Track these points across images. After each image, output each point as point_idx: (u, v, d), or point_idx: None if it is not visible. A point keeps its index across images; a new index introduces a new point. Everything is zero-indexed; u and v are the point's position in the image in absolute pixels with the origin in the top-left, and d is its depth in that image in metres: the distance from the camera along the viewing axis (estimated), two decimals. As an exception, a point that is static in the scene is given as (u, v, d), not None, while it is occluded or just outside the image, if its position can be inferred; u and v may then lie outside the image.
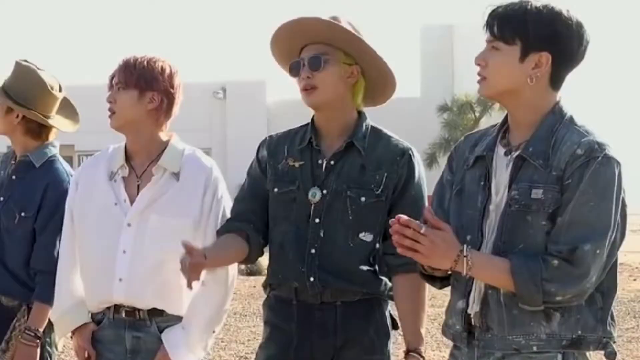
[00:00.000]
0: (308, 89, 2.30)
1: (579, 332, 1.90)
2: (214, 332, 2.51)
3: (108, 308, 2.49)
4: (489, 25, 1.93)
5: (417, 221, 1.86)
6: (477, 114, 19.54)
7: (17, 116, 2.85)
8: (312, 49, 2.32)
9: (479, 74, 1.95)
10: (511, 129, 1.99)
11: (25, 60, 2.93)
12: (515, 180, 1.92)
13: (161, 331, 2.45)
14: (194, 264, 2.14)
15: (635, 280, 10.57)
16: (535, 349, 1.91)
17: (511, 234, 1.91)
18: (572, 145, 1.89)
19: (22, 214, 2.85)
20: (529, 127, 1.95)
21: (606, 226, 1.87)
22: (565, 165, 1.88)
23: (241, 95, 18.33)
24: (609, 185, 1.87)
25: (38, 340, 2.78)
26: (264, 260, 2.50)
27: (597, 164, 1.86)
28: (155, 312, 2.45)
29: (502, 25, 1.91)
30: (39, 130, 2.90)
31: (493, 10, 1.93)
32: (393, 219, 1.87)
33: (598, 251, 1.85)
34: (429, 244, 1.84)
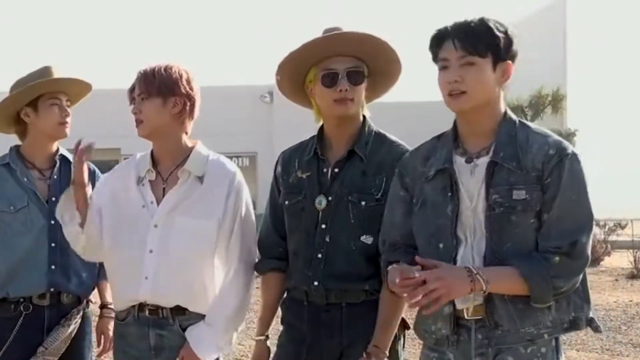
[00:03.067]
0: (344, 101, 2.34)
1: (573, 314, 2.06)
2: (236, 329, 2.55)
3: (133, 306, 2.54)
4: (456, 41, 2.02)
5: (412, 272, 1.96)
6: (528, 118, 19.25)
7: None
8: (344, 61, 2.35)
9: (452, 90, 2.03)
10: (465, 139, 2.11)
11: None
12: (492, 184, 2.03)
13: (184, 329, 2.50)
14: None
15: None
16: (546, 336, 2.04)
17: (498, 234, 2.02)
18: (542, 146, 2.03)
19: None
20: (487, 134, 2.08)
21: (590, 216, 2.04)
22: (542, 166, 2.01)
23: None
24: (582, 179, 2.04)
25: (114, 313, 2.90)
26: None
27: (569, 160, 2.02)
28: (178, 311, 2.50)
29: (474, 40, 2.01)
30: None
31: (455, 28, 2.03)
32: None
33: (589, 240, 2.03)
34: (439, 282, 1.94)
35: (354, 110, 2.38)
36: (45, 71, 2.98)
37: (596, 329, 2.11)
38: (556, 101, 16.90)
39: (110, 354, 2.88)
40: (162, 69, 2.50)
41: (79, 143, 2.49)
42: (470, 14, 2.08)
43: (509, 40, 2.05)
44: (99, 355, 3.12)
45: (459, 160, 2.09)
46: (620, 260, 12.38)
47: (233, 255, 2.51)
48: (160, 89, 2.47)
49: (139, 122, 2.51)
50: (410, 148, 2.39)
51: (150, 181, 2.54)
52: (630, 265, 11.36)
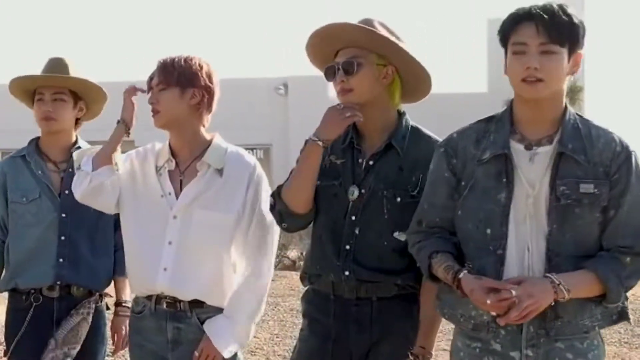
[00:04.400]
0: (343, 92, 2.34)
1: (621, 305, 2.07)
2: (254, 322, 2.55)
3: (149, 299, 2.54)
4: (540, 27, 1.98)
5: (508, 292, 1.94)
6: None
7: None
8: (346, 53, 2.35)
9: (529, 77, 2.00)
10: (524, 125, 2.08)
11: None
12: (558, 175, 2.00)
13: (202, 322, 2.49)
14: None
15: None
16: (597, 328, 2.07)
17: (560, 225, 2.01)
18: (609, 142, 2.04)
19: None
20: (549, 123, 2.06)
21: None
22: (610, 161, 2.01)
23: (303, 91, 18.30)
24: None
25: (130, 311, 2.91)
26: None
27: (634, 158, 2.03)
28: (196, 304, 2.49)
29: (560, 30, 1.98)
30: None
31: (539, 14, 1.99)
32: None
33: None
34: (531, 299, 1.94)
35: (356, 99, 2.33)
36: (46, 65, 2.99)
37: (628, 319, 2.13)
38: (573, 93, 16.77)
39: (125, 351, 2.87)
40: (182, 60, 2.48)
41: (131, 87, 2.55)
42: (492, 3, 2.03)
43: (584, 31, 2.03)
44: (113, 353, 3.11)
45: (517, 147, 2.06)
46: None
47: (251, 249, 2.50)
48: (179, 80, 2.46)
49: (155, 112, 2.49)
50: None
51: (169, 171, 2.52)
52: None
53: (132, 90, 2.55)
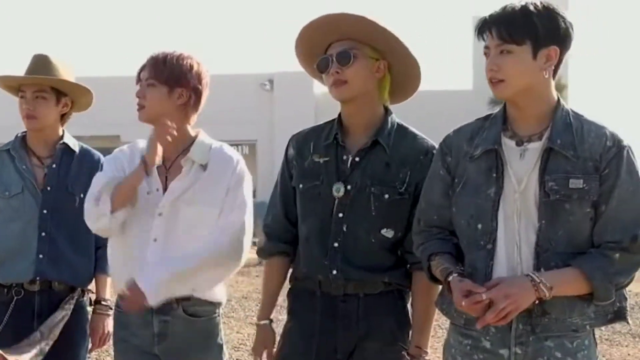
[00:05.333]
0: (338, 84, 2.31)
1: (618, 304, 2.06)
2: (194, 282, 2.44)
3: None
4: (493, 30, 2.02)
5: (479, 295, 1.95)
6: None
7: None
8: (339, 45, 2.33)
9: (492, 77, 2.04)
10: (515, 122, 2.09)
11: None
12: (547, 171, 2.00)
13: (188, 315, 2.49)
14: (266, 346, 2.48)
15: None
16: (588, 327, 2.05)
17: (551, 221, 2.00)
18: (600, 137, 2.03)
19: (82, 195, 2.91)
20: (538, 119, 2.07)
21: None
22: (600, 156, 2.01)
23: (289, 86, 18.27)
24: (637, 172, 2.03)
25: (110, 310, 2.94)
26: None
27: (626, 153, 2.02)
28: (182, 297, 2.48)
29: (510, 29, 2.00)
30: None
31: (493, 16, 2.03)
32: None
33: None
34: (508, 299, 1.93)
35: (351, 92, 2.32)
36: (30, 62, 2.97)
37: (626, 319, 2.10)
38: (557, 91, 16.88)
39: (110, 347, 2.86)
40: (174, 58, 2.47)
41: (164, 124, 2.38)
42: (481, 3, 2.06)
43: (552, 25, 2.02)
44: (90, 350, 3.10)
45: (508, 143, 2.08)
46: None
47: (224, 221, 2.44)
48: (168, 78, 2.45)
49: (140, 107, 2.48)
50: (433, 142, 2.37)
51: (157, 167, 2.51)
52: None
53: (165, 128, 2.40)
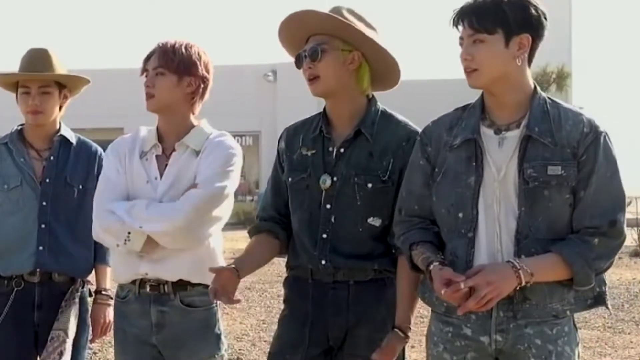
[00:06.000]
0: (311, 79, 2.36)
1: (597, 289, 2.08)
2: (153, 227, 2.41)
3: (133, 283, 2.54)
4: (465, 20, 2.06)
5: (458, 284, 1.97)
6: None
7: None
8: (312, 40, 2.38)
9: (466, 67, 2.07)
10: (492, 111, 2.13)
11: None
12: (525, 159, 2.03)
13: (185, 305, 2.50)
14: (224, 287, 2.27)
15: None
16: (568, 313, 2.08)
17: (531, 208, 2.03)
18: (577, 124, 2.06)
19: (80, 186, 3.00)
20: (515, 107, 2.10)
21: (624, 194, 2.08)
22: (578, 143, 2.04)
23: (292, 77, 18.17)
24: (615, 157, 2.07)
25: (111, 300, 2.95)
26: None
27: (602, 138, 2.05)
28: (180, 286, 2.50)
29: (481, 18, 2.04)
30: None
31: (465, 7, 2.07)
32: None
33: (624, 218, 2.06)
34: (490, 287, 1.96)
35: (324, 86, 2.36)
36: (29, 57, 2.98)
37: (606, 304, 2.13)
38: (561, 79, 16.84)
39: (110, 336, 2.88)
40: (183, 47, 2.49)
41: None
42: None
43: (523, 14, 2.04)
44: (92, 341, 3.13)
45: (487, 132, 2.11)
46: (624, 238, 12.36)
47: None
48: (178, 67, 2.47)
49: (149, 96, 2.49)
50: (416, 127, 2.39)
51: (156, 156, 2.53)
52: (634, 243, 11.35)
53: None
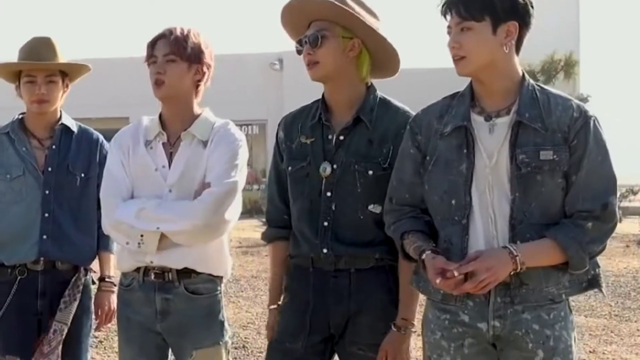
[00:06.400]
0: (311, 65, 2.36)
1: (592, 272, 2.10)
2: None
3: (137, 271, 2.55)
4: (453, 9, 2.07)
5: (451, 273, 2.00)
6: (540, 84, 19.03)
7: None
8: (314, 25, 2.38)
9: (455, 55, 2.08)
10: (482, 98, 2.14)
11: None
12: (517, 144, 2.05)
13: (190, 292, 2.51)
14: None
15: None
16: (564, 296, 2.10)
17: (524, 193, 2.05)
18: (567, 109, 2.08)
19: (83, 174, 3.02)
20: (504, 94, 2.11)
21: (615, 177, 2.09)
22: (568, 128, 2.06)
23: (298, 66, 18.12)
24: (605, 141, 2.09)
25: (115, 287, 2.97)
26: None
27: (592, 123, 2.07)
28: (184, 273, 2.51)
29: (468, 6, 2.05)
30: None
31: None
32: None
33: (616, 201, 2.08)
34: (488, 272, 1.99)
35: (323, 72, 2.36)
36: (33, 46, 2.97)
37: (600, 287, 2.14)
38: (569, 67, 16.73)
39: (114, 324, 2.89)
40: (193, 35, 2.50)
41: None
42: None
43: (510, 1, 2.06)
44: (97, 328, 3.14)
45: (477, 119, 2.12)
46: (632, 226, 12.35)
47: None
48: (190, 55, 2.48)
49: (160, 83, 2.48)
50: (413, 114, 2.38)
51: (163, 144, 2.54)
52: (642, 232, 11.33)
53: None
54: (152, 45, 2.51)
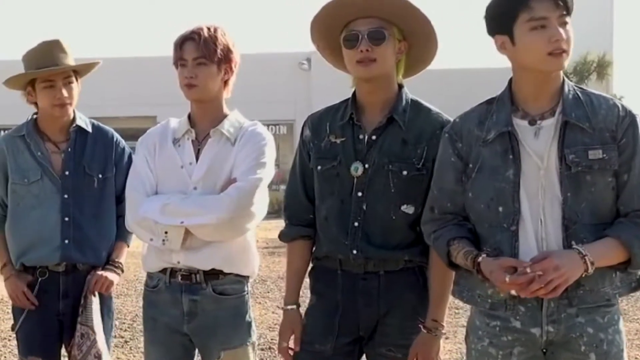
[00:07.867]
0: (366, 62, 2.29)
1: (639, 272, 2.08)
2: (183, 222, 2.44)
3: (163, 272, 2.55)
4: (561, 0, 2.01)
5: (524, 269, 1.95)
6: (573, 85, 18.84)
7: None
8: (367, 22, 2.30)
9: (556, 49, 2.01)
10: (525, 101, 2.10)
11: None
12: (566, 144, 2.02)
13: (217, 293, 2.51)
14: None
15: None
16: (617, 296, 2.08)
17: (575, 194, 2.02)
18: (612, 108, 2.06)
19: (100, 175, 3.01)
20: (550, 96, 2.09)
21: None
22: (615, 127, 2.04)
23: (326, 65, 18.17)
24: None
25: (121, 271, 3.02)
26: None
27: (639, 121, 2.05)
28: (212, 275, 2.50)
29: (567, 1, 2.01)
30: None
31: None
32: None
33: None
34: (557, 272, 1.94)
35: (378, 71, 2.31)
36: (44, 52, 2.94)
37: None
38: (602, 67, 16.53)
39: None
40: (219, 35, 2.49)
41: None
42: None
43: None
44: (92, 290, 2.99)
45: (521, 123, 2.09)
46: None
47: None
48: (220, 57, 2.48)
49: (191, 86, 2.49)
50: (448, 116, 2.36)
51: (192, 141, 2.55)
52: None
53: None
54: (180, 46, 2.50)
